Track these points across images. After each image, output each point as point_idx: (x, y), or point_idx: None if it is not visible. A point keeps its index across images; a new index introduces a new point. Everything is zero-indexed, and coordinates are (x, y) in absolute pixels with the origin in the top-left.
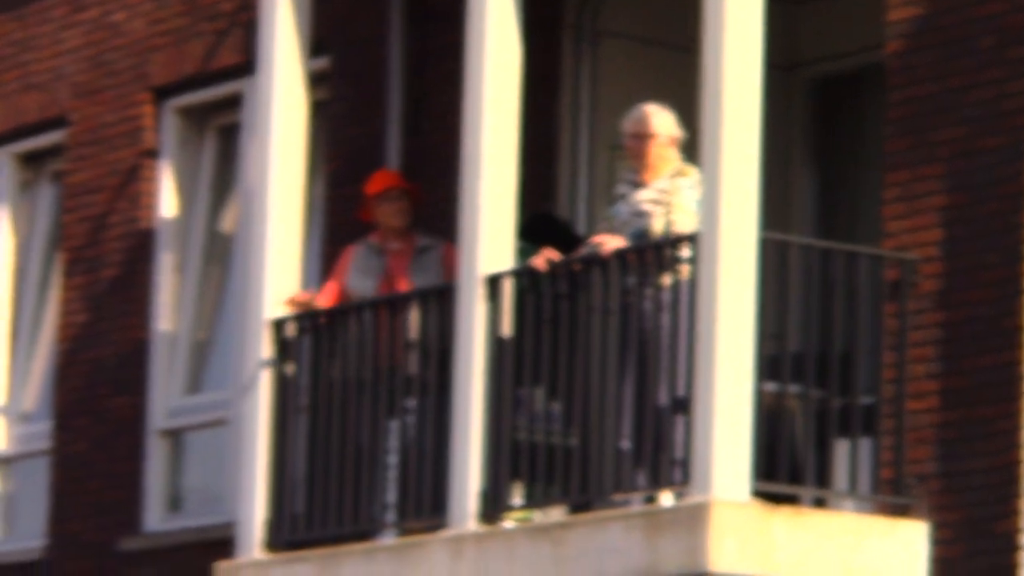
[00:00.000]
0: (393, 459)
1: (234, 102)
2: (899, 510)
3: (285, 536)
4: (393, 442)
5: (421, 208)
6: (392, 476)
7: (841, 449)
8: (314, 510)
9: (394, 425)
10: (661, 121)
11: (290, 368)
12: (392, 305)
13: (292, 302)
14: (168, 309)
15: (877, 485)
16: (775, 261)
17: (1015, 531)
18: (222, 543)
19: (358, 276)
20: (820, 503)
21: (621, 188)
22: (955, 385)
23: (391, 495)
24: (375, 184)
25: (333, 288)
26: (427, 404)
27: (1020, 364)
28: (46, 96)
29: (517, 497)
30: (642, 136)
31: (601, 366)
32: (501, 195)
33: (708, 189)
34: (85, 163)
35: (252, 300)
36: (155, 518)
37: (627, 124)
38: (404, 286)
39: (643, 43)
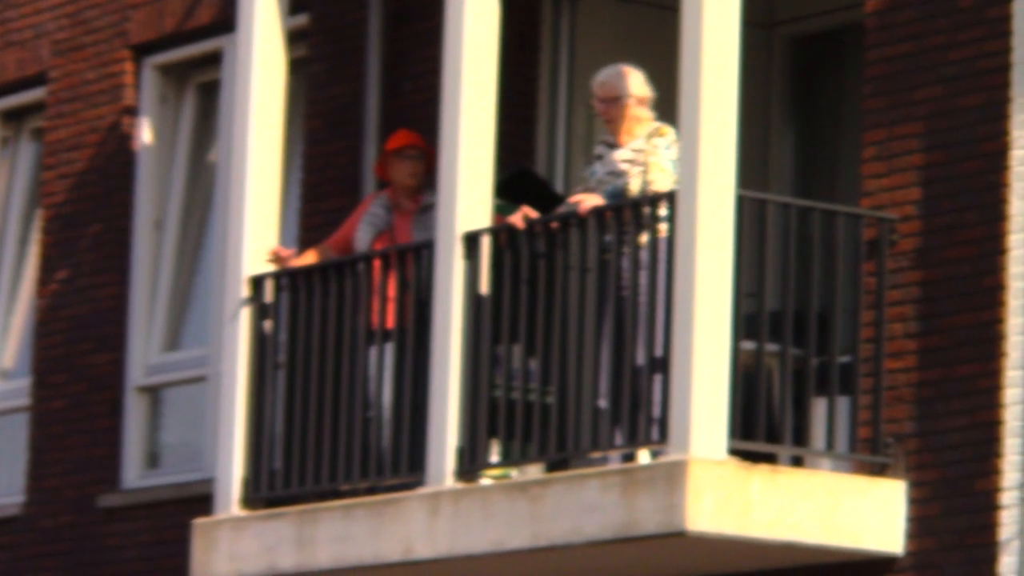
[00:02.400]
0: (372, 413)
1: (213, 60)
2: (877, 469)
3: (263, 493)
4: (372, 396)
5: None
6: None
7: (819, 408)
8: (292, 467)
9: (372, 380)
10: (631, 82)
11: (268, 325)
12: (369, 262)
13: (274, 256)
14: (147, 266)
15: (855, 444)
16: (753, 219)
17: (995, 490)
18: (200, 499)
19: (364, 228)
20: (797, 462)
21: (598, 149)
22: (933, 344)
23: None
24: (394, 141)
25: (344, 233)
26: (405, 360)
27: (1001, 323)
28: (26, 53)
29: (494, 454)
30: (612, 99)
31: (579, 324)
32: (479, 154)
33: (686, 147)
34: (65, 120)
35: (231, 257)
36: (134, 474)
37: (596, 88)
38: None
39: (622, 1)
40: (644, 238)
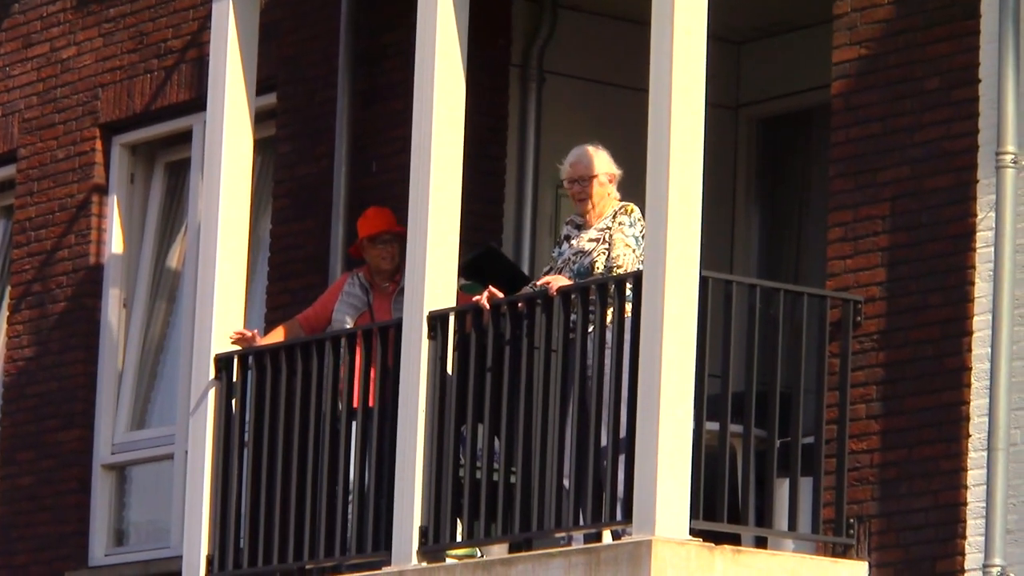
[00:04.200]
0: (339, 493)
1: (183, 138)
2: (840, 550)
3: (229, 571)
4: (340, 476)
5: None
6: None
7: (782, 489)
8: (257, 545)
9: (340, 460)
10: (599, 161)
11: (235, 404)
12: (337, 342)
13: (238, 337)
14: (115, 344)
15: (817, 525)
16: (718, 300)
17: (958, 571)
18: None
19: (343, 308)
20: (760, 542)
21: (565, 230)
22: (897, 425)
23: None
24: (369, 226)
25: (316, 311)
26: (371, 438)
27: (965, 404)
28: None
29: (459, 534)
30: (582, 179)
31: (543, 404)
32: (446, 233)
33: (652, 227)
34: (34, 198)
35: (198, 336)
36: (101, 551)
37: (566, 168)
38: None
39: (589, 83)
40: (609, 318)
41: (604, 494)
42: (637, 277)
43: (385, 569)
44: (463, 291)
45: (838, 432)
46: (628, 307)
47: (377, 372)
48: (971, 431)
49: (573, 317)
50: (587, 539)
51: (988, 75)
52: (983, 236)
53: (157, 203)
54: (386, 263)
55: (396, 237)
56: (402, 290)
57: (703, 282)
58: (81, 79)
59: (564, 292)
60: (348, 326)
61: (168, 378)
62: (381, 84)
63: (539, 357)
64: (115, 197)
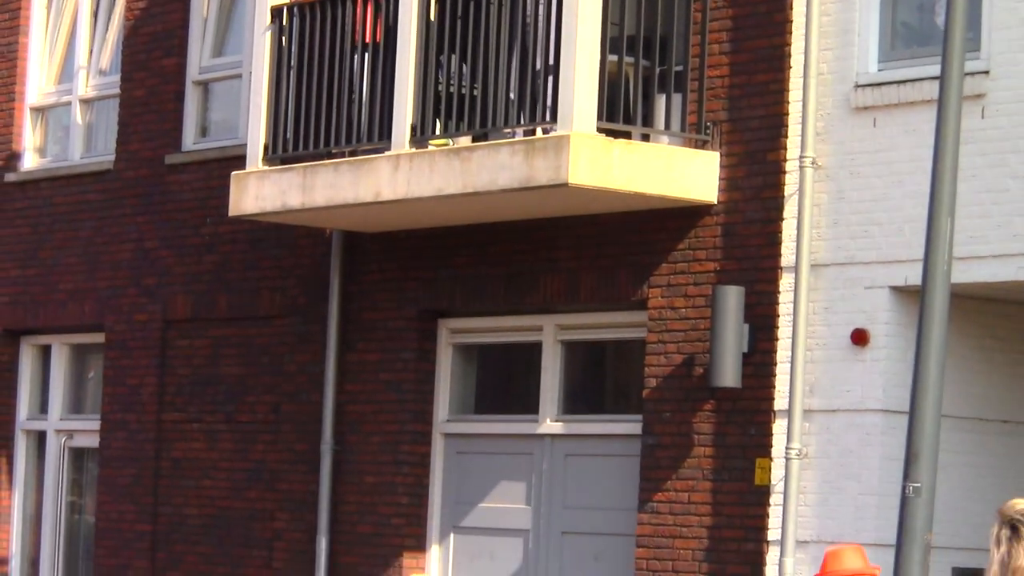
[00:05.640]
0: (356, 96)
1: None
2: (700, 144)
3: (279, 154)
4: (356, 84)
5: None
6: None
7: (660, 102)
8: (299, 137)
9: (356, 76)
10: None
11: (284, 40)
12: None
13: None
14: None
15: (685, 126)
16: None
17: (782, 160)
18: (236, 159)
19: None
20: (645, 138)
21: None
22: (741, 60)
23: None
24: None
25: None
26: (378, 63)
27: (787, 46)
28: None
29: (438, 129)
30: None
31: (496, 40)
32: None
33: None
34: None
35: None
36: (191, 141)
37: None
38: None
39: None
40: None
41: (537, 104)
42: None
43: (386, 153)
44: None
45: (699, 63)
46: None
47: (383, 18)
48: (792, 64)
49: None
50: (526, 134)
51: None
52: None
53: None
54: None
55: None
56: None
57: None
58: None
59: None
60: None
61: (238, 21)
62: None
63: (494, 8)
64: None
